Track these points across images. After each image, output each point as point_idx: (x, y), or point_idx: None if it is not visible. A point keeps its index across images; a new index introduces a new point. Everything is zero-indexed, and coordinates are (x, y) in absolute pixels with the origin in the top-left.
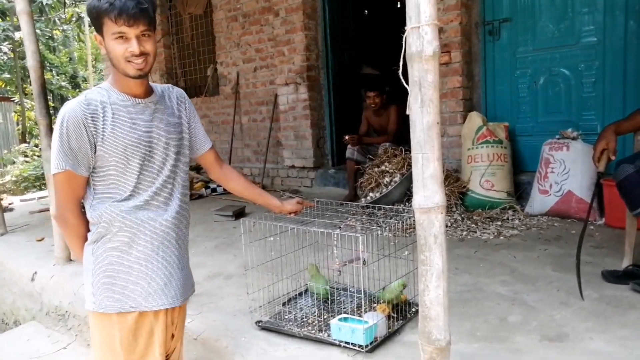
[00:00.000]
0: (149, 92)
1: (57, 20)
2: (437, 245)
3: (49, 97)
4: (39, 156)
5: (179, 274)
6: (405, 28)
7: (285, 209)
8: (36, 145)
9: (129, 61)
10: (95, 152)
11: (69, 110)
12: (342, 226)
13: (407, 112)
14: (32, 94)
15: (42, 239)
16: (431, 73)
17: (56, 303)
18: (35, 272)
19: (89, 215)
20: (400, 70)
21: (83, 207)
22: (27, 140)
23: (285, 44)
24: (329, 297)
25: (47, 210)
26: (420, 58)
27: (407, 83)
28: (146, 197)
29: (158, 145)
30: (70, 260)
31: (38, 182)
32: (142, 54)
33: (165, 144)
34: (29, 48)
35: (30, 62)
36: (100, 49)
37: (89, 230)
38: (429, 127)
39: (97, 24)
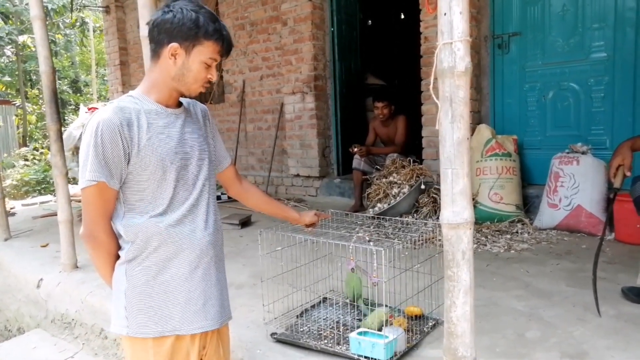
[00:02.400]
0: (178, 103)
1: (60, 25)
2: (465, 262)
3: None
4: (39, 160)
5: (218, 294)
6: (437, 44)
7: (304, 221)
8: (36, 149)
9: (201, 85)
10: (128, 163)
11: (104, 117)
12: (355, 238)
13: (437, 127)
14: (34, 97)
15: (47, 244)
16: (462, 89)
17: (62, 311)
18: (41, 279)
19: (121, 232)
20: (431, 86)
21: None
22: (28, 144)
23: (293, 53)
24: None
25: (51, 215)
26: (452, 74)
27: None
28: (183, 211)
29: (192, 157)
30: (77, 267)
31: (39, 186)
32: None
33: (198, 156)
34: (42, 53)
35: (43, 67)
36: (170, 59)
37: (118, 247)
38: (459, 143)
39: (192, 41)
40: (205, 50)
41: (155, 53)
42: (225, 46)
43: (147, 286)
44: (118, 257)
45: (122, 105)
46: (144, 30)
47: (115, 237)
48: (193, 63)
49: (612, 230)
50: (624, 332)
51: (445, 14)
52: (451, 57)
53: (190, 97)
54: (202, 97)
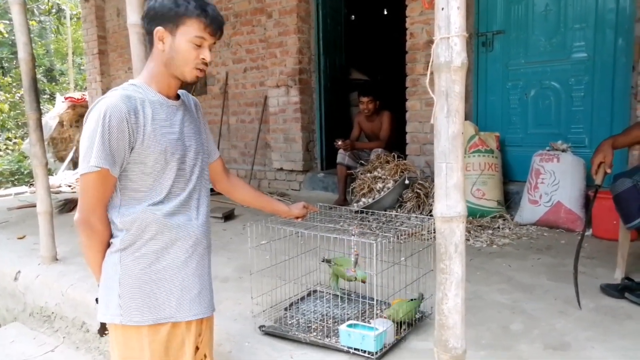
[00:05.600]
0: (177, 95)
1: (35, 11)
2: (457, 254)
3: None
4: (12, 150)
5: (209, 282)
6: (434, 38)
7: (293, 214)
8: (9, 139)
9: (195, 67)
10: (131, 152)
11: (111, 104)
12: (354, 232)
13: (432, 122)
14: (6, 85)
15: (24, 236)
16: (458, 84)
17: (42, 304)
18: (19, 271)
19: (116, 220)
20: (427, 80)
21: None
22: (0, 133)
23: (278, 46)
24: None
25: (27, 206)
26: (449, 69)
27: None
28: (180, 201)
29: (190, 148)
30: (57, 259)
31: (13, 177)
32: (207, 63)
33: (195, 147)
34: (21, 40)
35: (22, 54)
36: (158, 44)
37: (111, 237)
38: (454, 137)
39: (174, 20)
40: (189, 29)
41: (150, 43)
42: (210, 22)
43: (143, 274)
44: (109, 245)
45: (128, 93)
46: (131, 18)
47: (109, 226)
48: (180, 44)
49: (589, 226)
50: (603, 324)
51: (442, 9)
52: (448, 52)
53: (187, 82)
54: (184, 89)
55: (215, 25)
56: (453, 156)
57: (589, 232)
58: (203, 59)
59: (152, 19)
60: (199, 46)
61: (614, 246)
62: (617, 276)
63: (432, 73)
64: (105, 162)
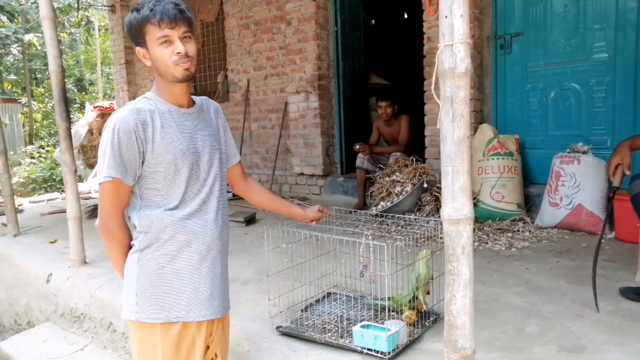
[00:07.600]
0: (191, 102)
1: (65, 24)
2: (464, 256)
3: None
4: (45, 158)
5: (222, 285)
6: (439, 45)
7: (309, 217)
8: (42, 147)
9: (176, 64)
10: (143, 162)
11: (121, 118)
12: (368, 234)
13: (438, 126)
14: (39, 95)
15: (55, 241)
16: (463, 89)
17: (72, 305)
18: (51, 274)
19: (136, 223)
20: (432, 86)
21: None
22: (34, 141)
23: (297, 52)
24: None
25: (58, 212)
26: (453, 75)
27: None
28: (195, 205)
29: (203, 155)
30: (86, 262)
31: (45, 184)
32: (186, 55)
33: (209, 154)
34: (51, 53)
35: (52, 66)
36: (145, 62)
37: (130, 240)
38: (460, 141)
39: (140, 34)
40: (151, 35)
41: None
42: (160, 17)
43: (158, 274)
44: (130, 248)
45: (138, 106)
46: None
47: (128, 230)
48: (153, 52)
49: (612, 228)
50: (621, 328)
51: (446, 17)
52: (452, 58)
53: (180, 81)
54: (207, 96)
55: (168, 17)
56: (459, 160)
57: (611, 235)
58: (178, 52)
59: (134, 44)
60: (169, 43)
61: (636, 249)
62: (638, 279)
63: (437, 79)
64: (117, 172)
